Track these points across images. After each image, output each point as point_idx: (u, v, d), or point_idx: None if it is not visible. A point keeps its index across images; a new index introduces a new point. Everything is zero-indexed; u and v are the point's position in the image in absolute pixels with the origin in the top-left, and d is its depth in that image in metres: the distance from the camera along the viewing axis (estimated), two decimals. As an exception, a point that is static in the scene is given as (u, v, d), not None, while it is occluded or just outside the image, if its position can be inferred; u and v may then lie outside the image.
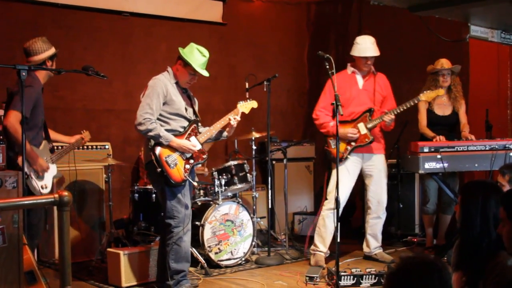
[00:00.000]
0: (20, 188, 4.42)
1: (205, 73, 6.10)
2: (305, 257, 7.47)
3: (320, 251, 7.21)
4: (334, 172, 7.18)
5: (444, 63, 7.55)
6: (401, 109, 6.98)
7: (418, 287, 2.48)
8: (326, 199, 7.25)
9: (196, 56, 6.02)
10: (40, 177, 5.83)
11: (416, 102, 7.03)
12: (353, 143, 7.11)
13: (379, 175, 7.31)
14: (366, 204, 7.52)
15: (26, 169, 5.62)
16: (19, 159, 5.49)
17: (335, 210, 6.97)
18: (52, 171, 6.08)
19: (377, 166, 7.31)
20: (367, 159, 7.26)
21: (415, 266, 2.53)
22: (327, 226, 7.18)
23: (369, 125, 7.10)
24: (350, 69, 7.33)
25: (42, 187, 5.85)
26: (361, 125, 7.11)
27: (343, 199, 7.08)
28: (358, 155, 7.19)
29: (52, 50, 5.96)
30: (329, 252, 7.28)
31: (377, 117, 7.11)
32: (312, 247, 7.32)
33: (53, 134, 6.40)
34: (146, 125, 5.80)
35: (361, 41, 7.23)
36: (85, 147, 7.57)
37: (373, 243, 7.42)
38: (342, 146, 7.10)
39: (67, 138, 6.62)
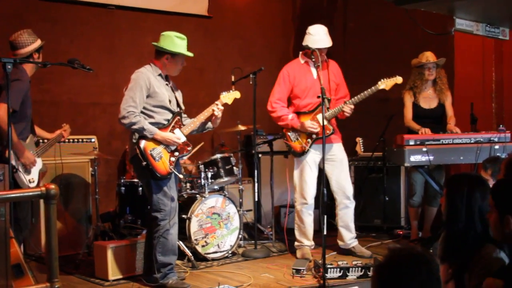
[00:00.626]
0: (7, 181, 4.42)
1: (191, 54, 6.13)
2: (291, 250, 7.47)
3: (305, 245, 7.24)
4: (297, 168, 7.20)
5: (429, 56, 7.55)
6: (361, 98, 6.88)
7: (407, 279, 2.49)
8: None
9: (178, 42, 6.03)
10: (27, 170, 5.83)
11: (375, 90, 6.88)
12: (314, 136, 7.00)
13: (340, 164, 7.20)
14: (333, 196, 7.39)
15: (13, 163, 5.61)
16: (7, 153, 5.47)
17: (309, 204, 7.06)
18: (38, 164, 6.07)
19: (337, 155, 7.19)
20: (326, 150, 6.99)
21: (404, 258, 2.54)
22: (304, 220, 7.21)
23: (328, 116, 6.97)
24: (303, 58, 7.18)
25: (29, 181, 5.84)
26: (319, 117, 6.91)
27: (313, 192, 7.15)
28: (316, 146, 7.03)
29: (38, 43, 5.95)
30: (314, 244, 7.30)
31: (336, 107, 7.01)
32: (296, 242, 7.33)
33: (36, 130, 6.40)
34: (129, 118, 5.79)
35: (314, 31, 7.10)
36: (71, 140, 7.55)
37: (346, 234, 7.30)
38: (302, 138, 7.08)
39: (48, 134, 6.63)
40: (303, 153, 7.07)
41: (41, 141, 6.46)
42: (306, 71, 7.16)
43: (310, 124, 6.96)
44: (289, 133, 7.15)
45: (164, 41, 6.05)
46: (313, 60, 6.52)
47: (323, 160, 6.14)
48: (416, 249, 2.60)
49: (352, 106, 6.94)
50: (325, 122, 6.84)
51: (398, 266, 2.53)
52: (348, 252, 7.30)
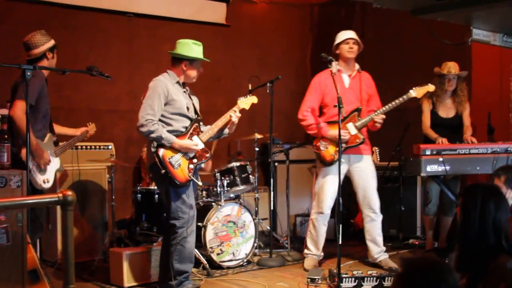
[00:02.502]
0: (25, 187, 4.44)
1: (208, 60, 6.19)
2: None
3: (313, 254, 7.21)
4: (320, 176, 7.15)
5: (451, 67, 7.50)
6: (391, 107, 6.84)
7: (434, 286, 2.51)
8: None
9: (195, 48, 6.08)
10: (42, 170, 5.76)
11: (406, 98, 6.85)
12: (343, 145, 6.86)
13: (367, 177, 7.12)
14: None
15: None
16: (22, 152, 5.46)
17: (327, 213, 7.02)
18: (55, 164, 6.03)
19: (365, 168, 7.13)
20: (354, 161, 7.07)
21: (431, 265, 2.56)
22: (317, 229, 7.16)
23: (359, 125, 6.95)
24: (335, 67, 6.98)
25: (44, 182, 5.79)
26: (350, 125, 6.94)
27: (330, 203, 7.08)
28: (345, 156, 6.93)
29: (51, 42, 5.96)
30: (322, 254, 7.27)
31: (366, 116, 6.97)
32: (305, 250, 7.30)
33: (57, 128, 6.36)
34: (148, 126, 5.81)
35: (340, 34, 7.16)
36: (88, 147, 7.59)
37: (373, 248, 7.22)
38: (332, 148, 6.99)
39: (72, 131, 6.57)
40: (332, 162, 6.97)
41: (60, 143, 6.42)
42: (338, 80, 7.09)
43: (341, 132, 6.91)
44: (318, 143, 7.07)
45: (181, 48, 6.08)
46: (330, 68, 6.50)
47: (339, 168, 6.15)
48: (436, 257, 2.62)
49: (383, 116, 6.89)
50: (355, 131, 6.88)
51: (426, 273, 2.54)
52: (374, 265, 7.18)
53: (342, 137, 6.71)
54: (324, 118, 7.15)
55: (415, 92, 6.89)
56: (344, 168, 7.01)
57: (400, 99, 6.84)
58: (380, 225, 7.24)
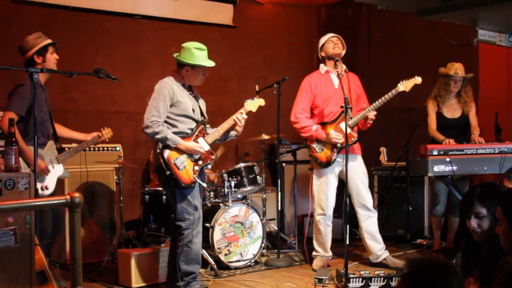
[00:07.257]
0: (32, 189, 4.45)
1: (213, 63, 6.15)
2: (312, 260, 7.44)
3: (321, 256, 7.24)
4: (317, 178, 7.18)
5: (457, 68, 7.48)
6: (381, 102, 6.85)
7: (439, 286, 2.51)
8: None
9: (197, 54, 6.05)
10: (39, 178, 5.70)
11: (395, 93, 6.85)
12: (338, 145, 6.93)
13: (360, 176, 7.13)
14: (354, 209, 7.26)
15: (23, 171, 5.45)
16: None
17: (328, 214, 7.00)
18: (57, 171, 6.03)
19: (357, 166, 7.12)
20: (348, 160, 6.91)
21: (435, 266, 2.56)
22: (321, 231, 7.18)
23: (351, 123, 6.93)
24: (323, 68, 7.17)
25: (42, 189, 5.77)
26: (343, 125, 6.89)
27: (332, 204, 7.14)
28: (340, 155, 6.99)
29: (40, 45, 5.88)
30: (331, 254, 7.30)
31: (357, 114, 6.96)
32: (314, 252, 7.33)
33: (67, 132, 6.37)
34: (153, 128, 5.83)
35: (322, 38, 7.23)
36: (96, 148, 7.61)
37: (375, 246, 7.19)
38: (328, 149, 7.04)
39: (83, 136, 6.48)
40: (329, 163, 7.02)
41: (66, 148, 6.39)
42: (327, 80, 7.17)
43: (335, 135, 6.91)
44: (313, 145, 7.09)
45: (183, 53, 6.09)
46: (337, 69, 6.55)
47: (346, 167, 6.17)
48: (441, 258, 2.62)
49: (375, 112, 6.91)
50: (349, 130, 6.84)
51: (430, 274, 2.54)
52: (380, 265, 7.12)
53: (336, 140, 6.75)
54: (316, 120, 7.16)
55: (403, 86, 6.90)
56: (339, 168, 7.06)
57: (389, 94, 6.85)
58: (376, 221, 7.24)
